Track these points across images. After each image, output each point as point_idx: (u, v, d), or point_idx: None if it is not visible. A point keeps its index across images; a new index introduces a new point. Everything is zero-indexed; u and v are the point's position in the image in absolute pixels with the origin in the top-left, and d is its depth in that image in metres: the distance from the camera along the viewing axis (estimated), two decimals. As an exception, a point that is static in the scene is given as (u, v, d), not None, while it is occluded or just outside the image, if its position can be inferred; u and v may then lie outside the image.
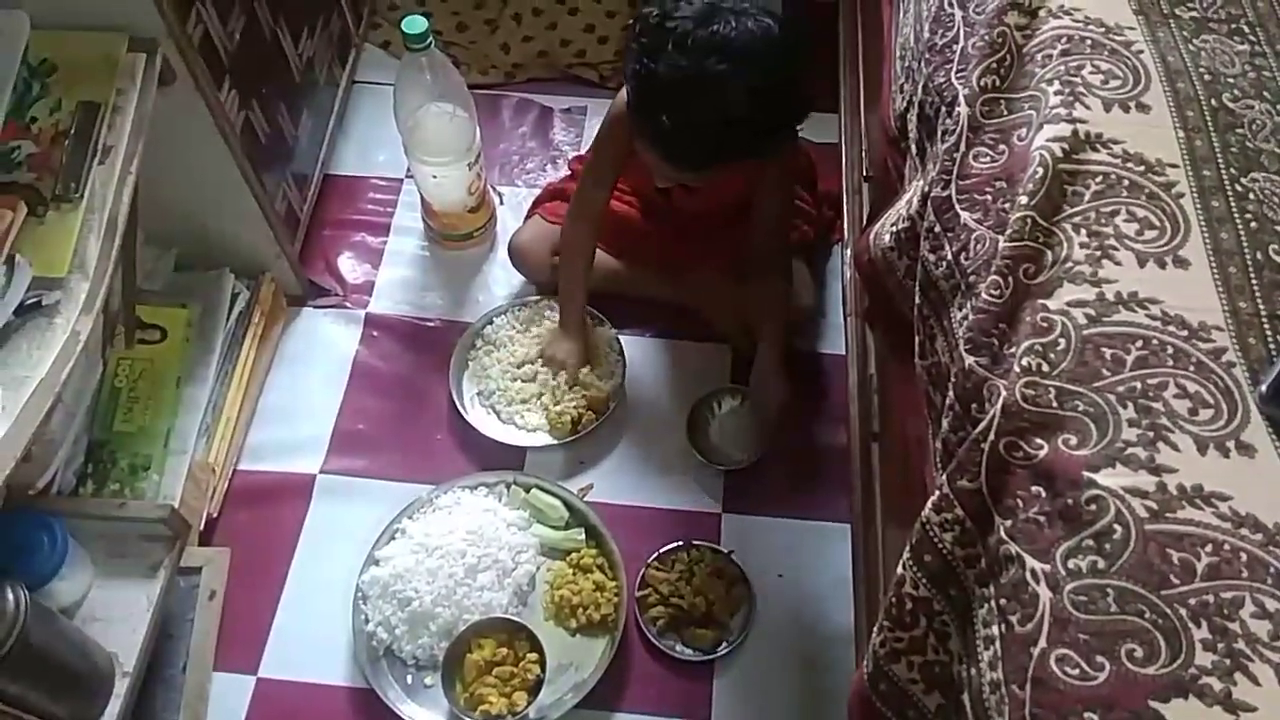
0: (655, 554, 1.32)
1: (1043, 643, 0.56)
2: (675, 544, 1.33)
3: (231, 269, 1.45)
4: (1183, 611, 0.55)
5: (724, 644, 1.27)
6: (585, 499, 1.37)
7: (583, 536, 1.33)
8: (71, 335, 0.93)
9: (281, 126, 1.45)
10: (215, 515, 1.35)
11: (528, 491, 1.36)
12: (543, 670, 1.21)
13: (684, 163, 1.22)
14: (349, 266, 1.61)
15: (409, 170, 1.64)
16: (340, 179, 1.69)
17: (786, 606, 1.31)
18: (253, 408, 1.45)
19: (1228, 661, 0.53)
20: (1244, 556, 0.56)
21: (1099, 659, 0.54)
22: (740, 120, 1.13)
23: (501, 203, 1.67)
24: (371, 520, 1.33)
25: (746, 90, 1.12)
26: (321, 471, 1.41)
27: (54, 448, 1.19)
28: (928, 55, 0.90)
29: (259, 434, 1.44)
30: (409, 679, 1.24)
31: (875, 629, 0.72)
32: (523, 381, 1.45)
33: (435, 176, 1.48)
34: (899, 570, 0.70)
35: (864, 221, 1.38)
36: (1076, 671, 0.55)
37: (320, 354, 1.52)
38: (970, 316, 0.71)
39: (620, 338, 1.50)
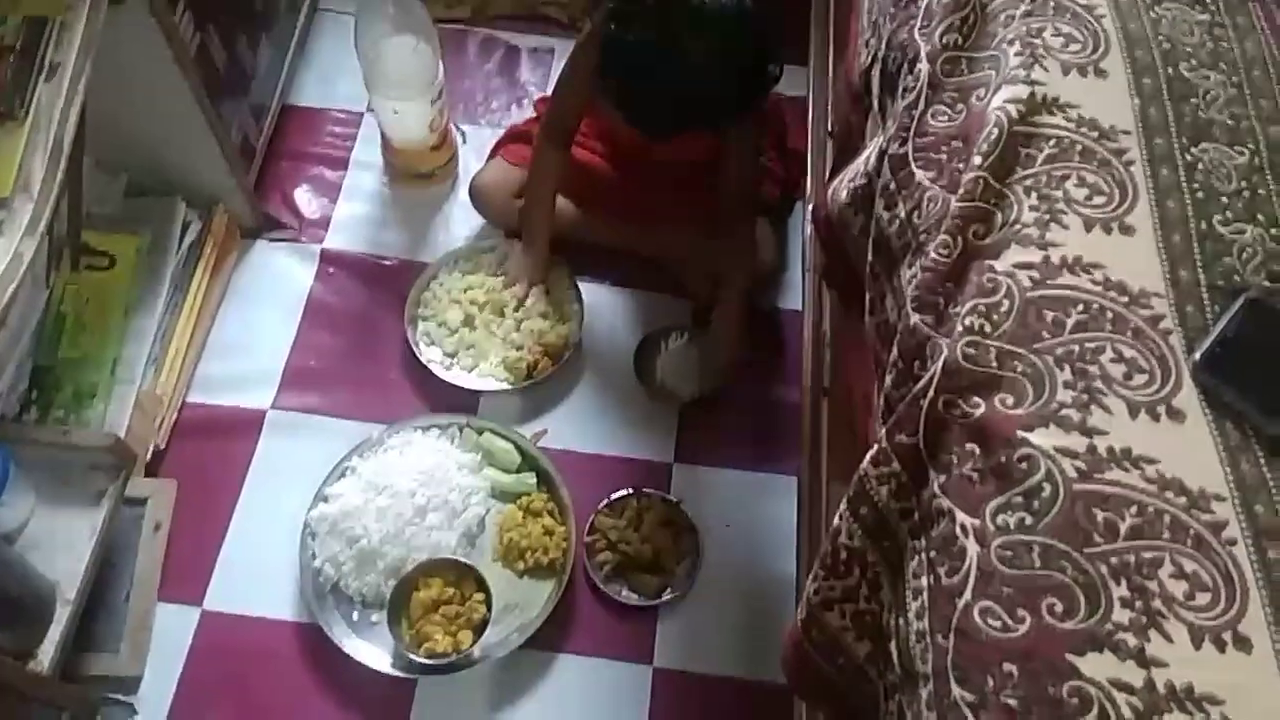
0: (605, 501, 1.33)
1: (968, 595, 0.58)
2: (625, 492, 1.34)
3: (184, 198, 1.42)
4: (1104, 569, 0.56)
5: (669, 590, 1.28)
6: (538, 444, 1.37)
7: (534, 481, 1.33)
8: (15, 257, 0.91)
9: (239, 53, 1.41)
10: (163, 447, 1.33)
11: (480, 435, 1.36)
12: (489, 610, 1.22)
13: (645, 128, 1.22)
14: (305, 200, 1.58)
15: (370, 104, 1.61)
16: (299, 110, 1.65)
17: (732, 556, 1.33)
18: (203, 340, 1.43)
19: (1144, 619, 0.55)
20: (1166, 519, 0.58)
21: (1020, 612, 0.56)
22: (705, 93, 1.13)
23: (464, 142, 1.65)
24: (321, 458, 1.33)
25: (715, 65, 1.11)
26: (272, 407, 1.40)
27: (-4, 371, 1.18)
28: (893, 10, 0.89)
29: (209, 367, 1.42)
30: (355, 615, 1.24)
31: (810, 577, 0.73)
32: (480, 325, 1.44)
33: (396, 111, 1.45)
34: (836, 521, 0.71)
35: (826, 178, 1.38)
36: (998, 624, 0.56)
37: (274, 288, 1.50)
38: (919, 275, 0.72)
39: (579, 285, 1.49)
